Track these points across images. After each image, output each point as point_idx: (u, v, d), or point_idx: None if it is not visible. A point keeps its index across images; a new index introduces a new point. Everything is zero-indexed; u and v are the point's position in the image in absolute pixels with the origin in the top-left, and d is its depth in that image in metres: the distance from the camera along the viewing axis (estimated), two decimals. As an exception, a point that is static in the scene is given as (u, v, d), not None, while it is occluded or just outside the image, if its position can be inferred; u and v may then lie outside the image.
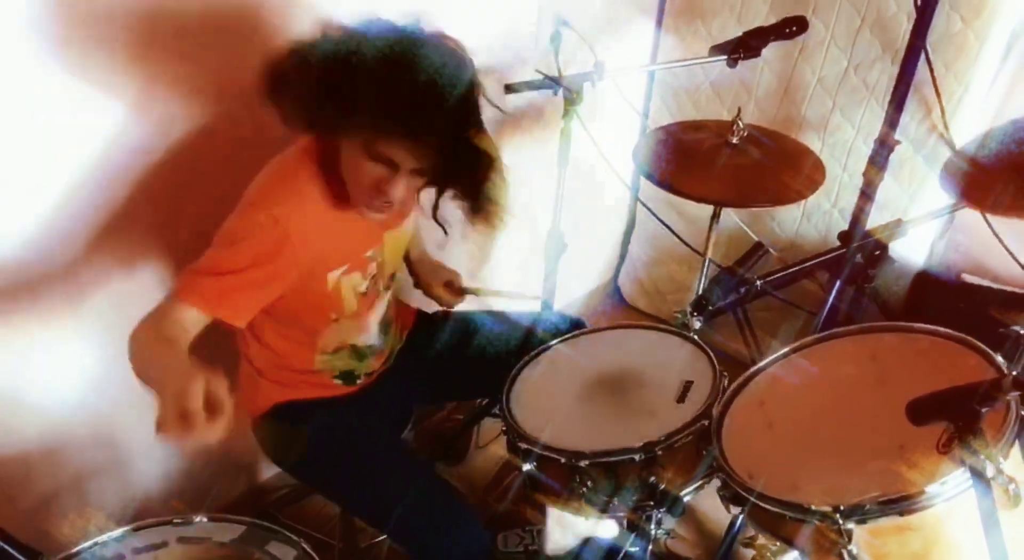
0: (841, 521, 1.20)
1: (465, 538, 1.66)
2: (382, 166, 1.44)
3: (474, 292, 2.03)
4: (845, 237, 2.03)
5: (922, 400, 1.10)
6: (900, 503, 1.19)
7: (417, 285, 2.01)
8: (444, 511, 1.68)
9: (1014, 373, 1.16)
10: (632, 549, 1.70)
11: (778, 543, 1.33)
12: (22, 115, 1.48)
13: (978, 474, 1.06)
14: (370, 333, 1.77)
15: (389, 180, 1.45)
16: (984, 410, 1.03)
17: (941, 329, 1.41)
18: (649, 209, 2.64)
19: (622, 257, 3.14)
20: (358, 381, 1.81)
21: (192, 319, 1.41)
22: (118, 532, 1.43)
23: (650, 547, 1.64)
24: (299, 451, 1.74)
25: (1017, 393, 1.05)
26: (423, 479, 1.72)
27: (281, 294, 1.53)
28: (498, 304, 2.07)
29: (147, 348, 1.37)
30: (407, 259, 1.97)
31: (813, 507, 1.24)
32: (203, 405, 1.10)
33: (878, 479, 1.23)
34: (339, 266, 1.60)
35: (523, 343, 1.90)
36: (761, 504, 1.29)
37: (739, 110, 2.00)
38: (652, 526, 1.63)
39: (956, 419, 1.06)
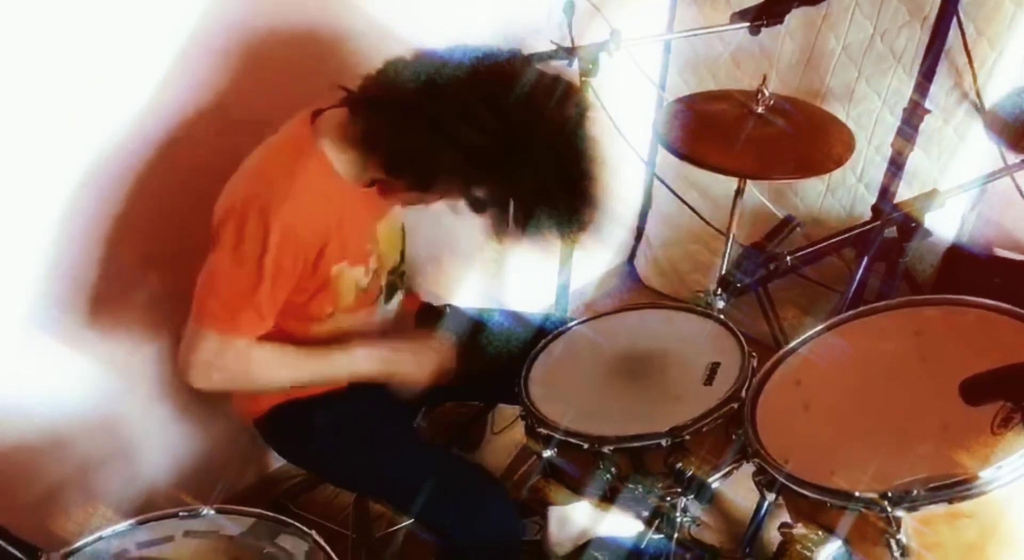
0: (889, 508, 1.12)
1: (495, 520, 1.60)
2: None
3: None
4: (879, 210, 1.95)
5: (978, 378, 1.02)
6: (952, 489, 1.10)
7: None
8: (473, 492, 1.62)
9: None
10: (656, 536, 1.63)
11: (819, 532, 1.25)
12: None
13: (1047, 458, 0.98)
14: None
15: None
16: (1050, 388, 0.95)
17: (991, 302, 1.32)
18: (667, 185, 2.57)
19: (638, 236, 3.06)
20: None
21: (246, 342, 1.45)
22: (123, 525, 1.37)
23: (675, 535, 1.57)
24: (309, 445, 1.68)
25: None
26: (447, 459, 1.68)
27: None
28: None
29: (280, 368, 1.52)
30: None
31: (858, 493, 1.16)
32: None
33: (927, 462, 1.16)
34: (340, 260, 1.51)
35: (533, 344, 1.78)
36: (801, 490, 1.21)
37: (764, 78, 1.91)
38: (678, 514, 1.57)
39: (1018, 398, 0.98)
